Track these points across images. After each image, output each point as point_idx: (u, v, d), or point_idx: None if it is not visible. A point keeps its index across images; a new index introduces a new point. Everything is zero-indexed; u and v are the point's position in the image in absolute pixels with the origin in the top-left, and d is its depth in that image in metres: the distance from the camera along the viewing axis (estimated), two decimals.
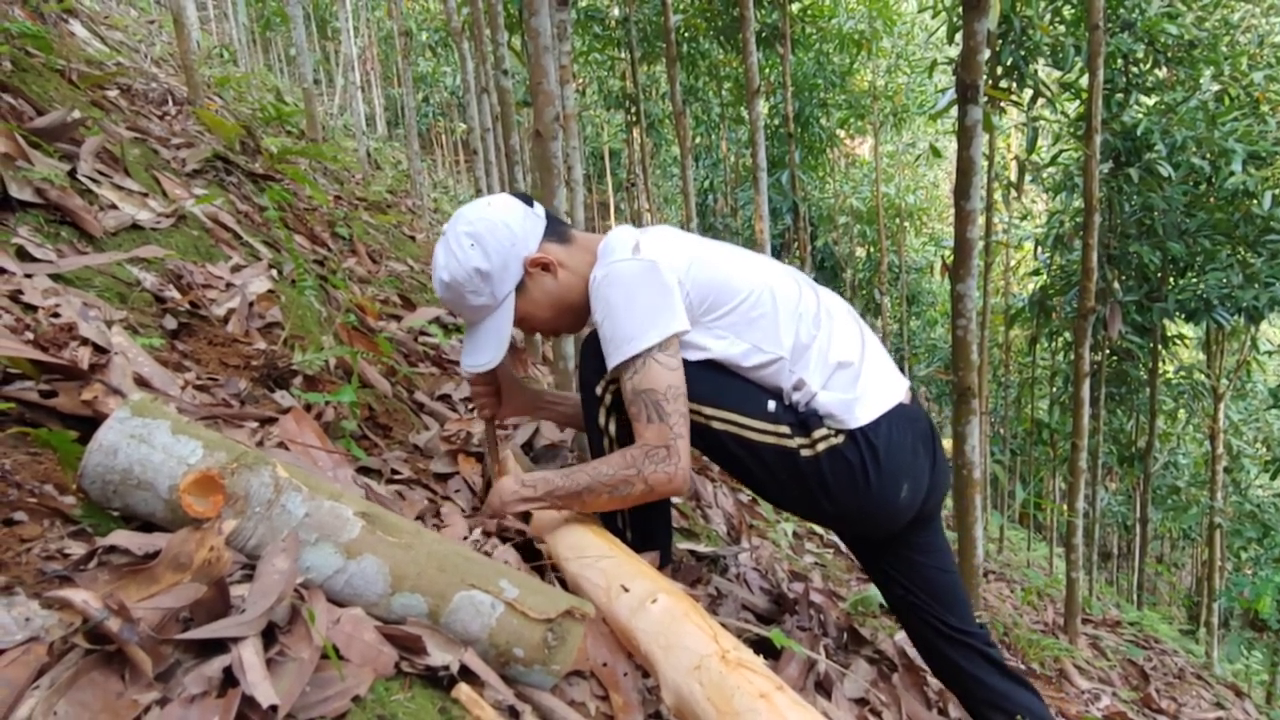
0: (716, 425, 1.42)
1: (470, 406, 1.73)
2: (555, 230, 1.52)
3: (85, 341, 1.16)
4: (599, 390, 1.50)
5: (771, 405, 1.43)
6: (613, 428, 1.50)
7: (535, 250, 1.48)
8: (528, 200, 1.53)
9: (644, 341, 1.34)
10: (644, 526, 1.58)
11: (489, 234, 1.44)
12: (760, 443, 1.41)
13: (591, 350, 1.49)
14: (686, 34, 8.40)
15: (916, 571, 1.60)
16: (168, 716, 0.62)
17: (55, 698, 0.61)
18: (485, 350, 1.50)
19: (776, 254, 11.58)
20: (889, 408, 1.45)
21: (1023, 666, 2.79)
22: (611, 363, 1.37)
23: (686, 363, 1.41)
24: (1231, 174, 5.60)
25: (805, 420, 1.42)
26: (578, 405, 1.69)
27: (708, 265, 1.43)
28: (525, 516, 1.53)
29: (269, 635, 0.76)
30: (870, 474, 1.41)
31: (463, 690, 0.91)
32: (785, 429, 1.41)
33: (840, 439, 1.41)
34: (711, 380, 1.42)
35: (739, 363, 1.44)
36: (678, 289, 1.39)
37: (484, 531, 1.43)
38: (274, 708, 0.65)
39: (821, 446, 1.41)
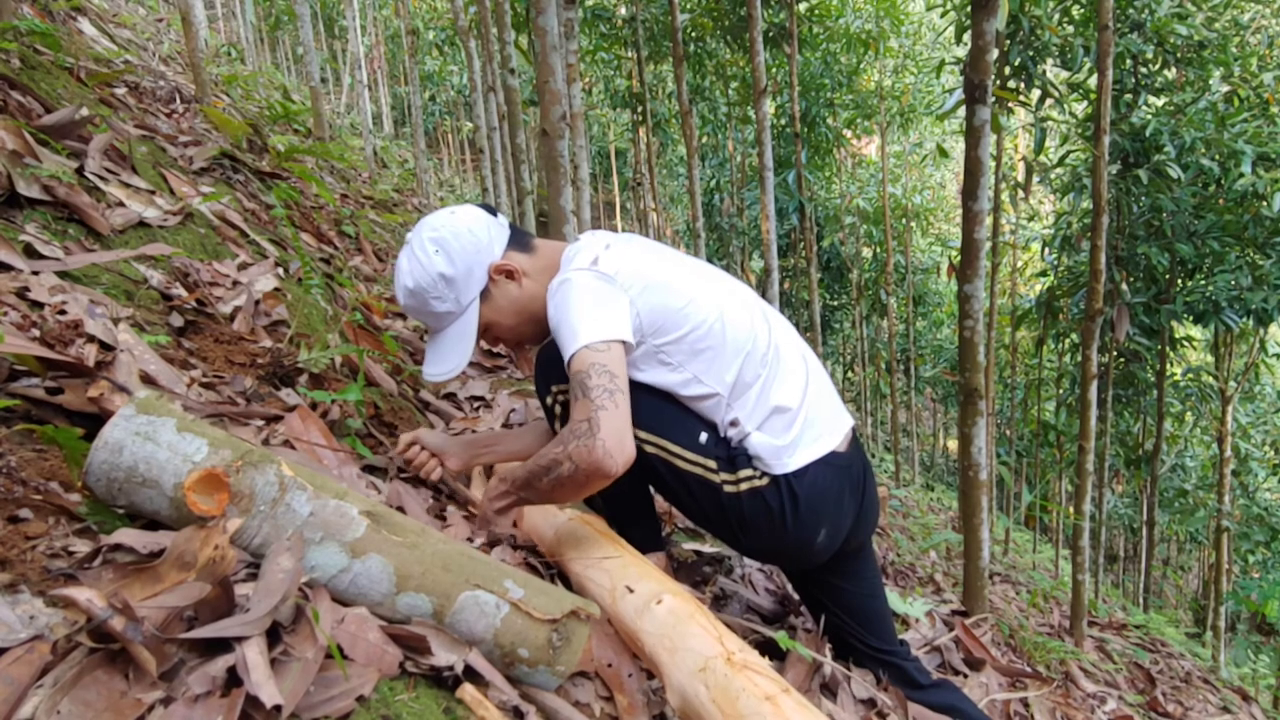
0: (648, 449, 1.44)
1: (415, 474, 1.70)
2: (519, 239, 1.54)
3: (91, 339, 1.16)
4: (549, 401, 1.53)
5: (703, 437, 1.45)
6: None
7: (500, 257, 1.50)
8: (491, 210, 1.55)
9: (589, 335, 1.34)
10: (615, 512, 1.59)
11: (454, 239, 1.46)
12: (686, 471, 1.44)
13: (541, 364, 1.52)
14: (693, 33, 8.39)
15: (842, 597, 1.66)
16: (171, 716, 0.62)
17: (59, 696, 0.60)
18: (449, 358, 1.51)
19: (782, 254, 11.56)
20: (819, 456, 1.46)
21: (1028, 669, 2.77)
22: (566, 354, 1.37)
23: (629, 382, 1.40)
24: (1241, 175, 5.56)
25: (734, 458, 1.44)
26: (519, 437, 1.72)
27: (664, 289, 1.43)
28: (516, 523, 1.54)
29: (273, 635, 0.76)
30: (788, 518, 1.43)
31: (467, 691, 0.91)
32: (712, 463, 1.43)
33: (764, 482, 1.43)
34: (649, 404, 1.44)
35: (677, 390, 1.45)
36: (628, 307, 1.40)
37: (486, 544, 1.43)
38: (278, 708, 0.65)
39: (744, 486, 1.43)
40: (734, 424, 1.45)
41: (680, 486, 1.46)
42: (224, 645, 0.70)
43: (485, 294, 1.51)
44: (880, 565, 3.48)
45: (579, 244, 1.51)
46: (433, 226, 1.48)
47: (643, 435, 1.44)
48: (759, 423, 1.44)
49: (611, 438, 1.28)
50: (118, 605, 0.64)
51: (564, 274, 1.42)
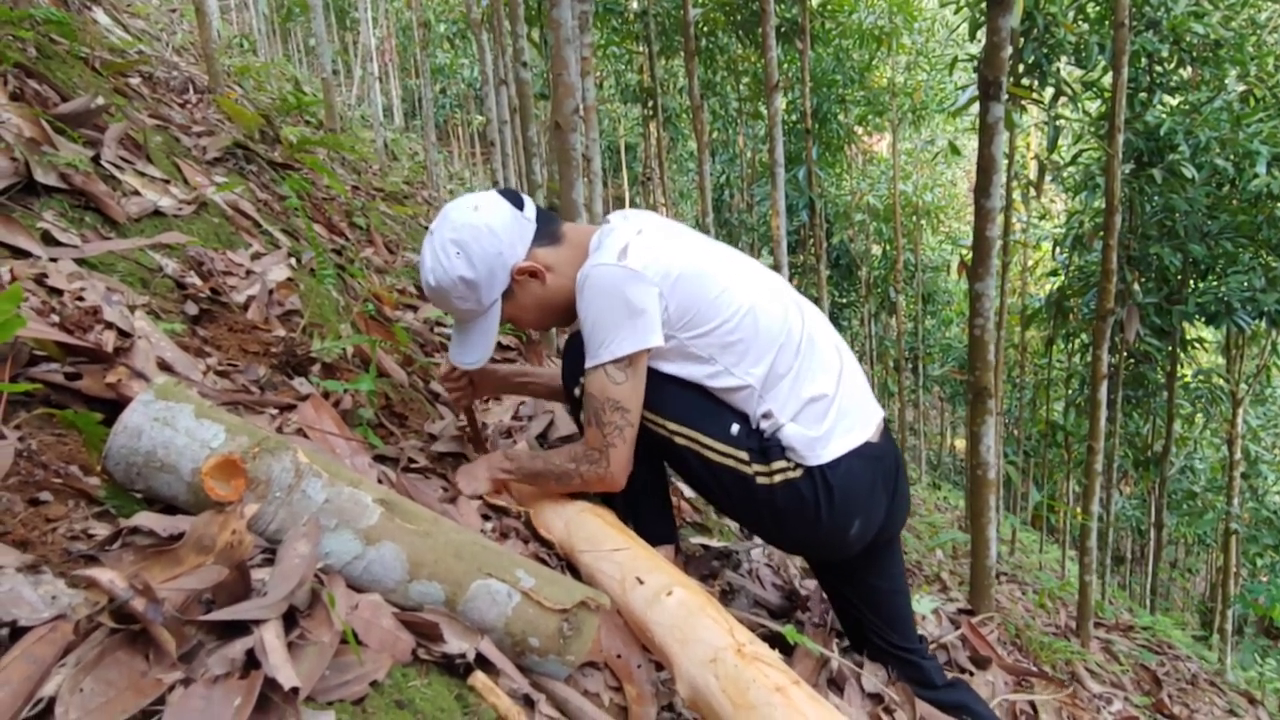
0: (679, 440, 1.44)
1: (444, 398, 1.78)
2: (546, 230, 1.50)
3: (110, 325, 1.17)
4: (576, 391, 1.54)
5: (735, 429, 1.44)
6: None
7: (524, 258, 1.47)
8: (517, 201, 1.50)
9: (610, 352, 1.36)
10: (631, 504, 1.60)
11: (474, 242, 1.43)
12: (719, 464, 1.43)
13: (569, 355, 1.53)
14: (705, 28, 8.36)
15: (868, 592, 1.65)
16: (191, 696, 0.63)
17: (81, 675, 0.61)
18: (474, 350, 1.53)
19: (792, 250, 11.51)
20: (854, 446, 1.44)
21: (1034, 668, 2.77)
22: (587, 364, 1.39)
23: (658, 374, 1.42)
24: (1256, 176, 5.52)
25: (767, 449, 1.43)
26: (552, 378, 1.77)
27: (696, 280, 1.41)
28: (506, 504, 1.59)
29: (290, 619, 0.77)
30: (822, 510, 1.42)
31: (479, 678, 0.92)
32: (745, 455, 1.42)
33: (798, 473, 1.42)
34: (679, 396, 1.43)
35: (707, 382, 1.44)
36: (657, 301, 1.37)
37: (499, 534, 1.45)
38: (295, 690, 0.66)
39: (778, 478, 1.42)
40: (767, 415, 1.43)
41: (712, 479, 1.45)
42: (242, 628, 0.71)
43: (509, 293, 1.49)
44: None
45: (609, 228, 1.47)
46: (454, 225, 1.44)
47: (674, 427, 1.44)
48: (793, 414, 1.42)
49: (619, 470, 1.41)
50: (139, 586, 0.65)
51: (589, 267, 1.39)
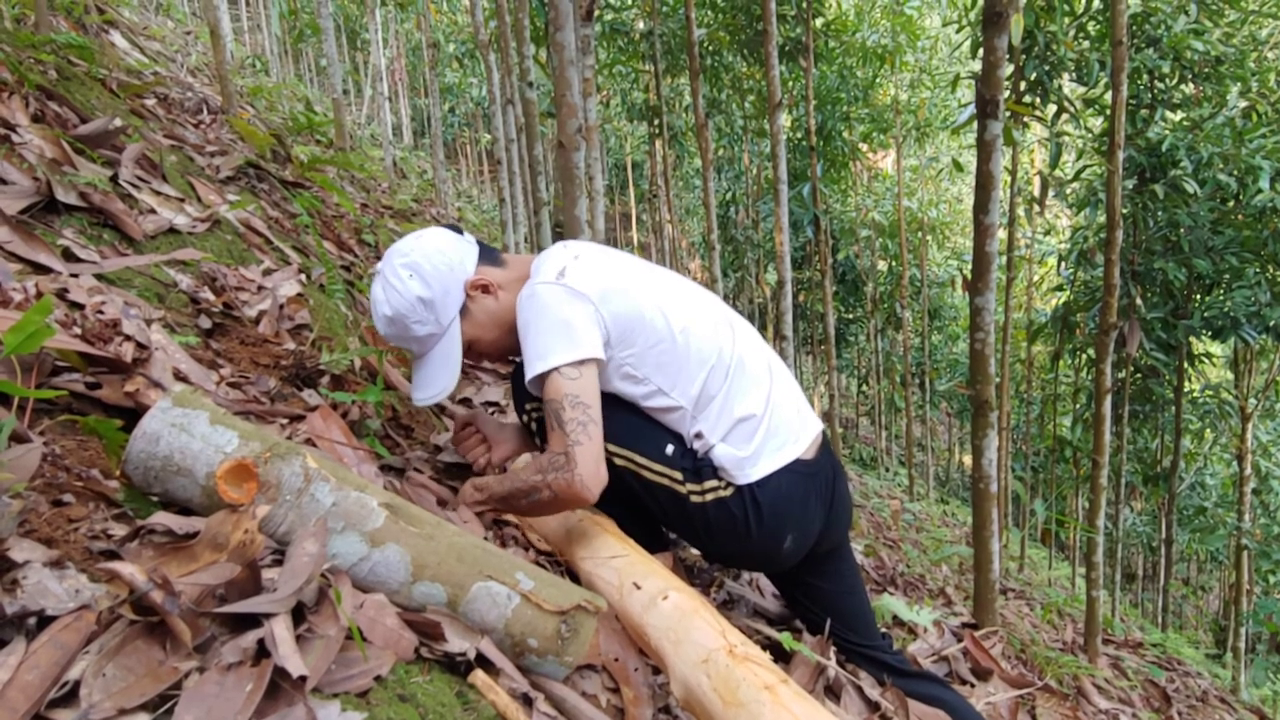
0: (617, 461, 1.47)
1: (465, 461, 1.77)
2: (488, 255, 1.57)
3: (128, 338, 1.22)
4: (524, 419, 1.58)
5: (670, 449, 1.48)
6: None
7: (473, 274, 1.52)
8: (457, 230, 1.58)
9: (552, 360, 1.37)
10: (623, 512, 1.62)
11: (426, 263, 1.48)
12: (654, 482, 1.47)
13: (517, 381, 1.55)
14: (710, 47, 8.47)
15: (820, 596, 1.70)
16: (205, 682, 0.66)
17: (103, 662, 0.65)
18: (437, 380, 1.53)
19: (798, 266, 11.58)
20: (784, 464, 1.48)
21: (1039, 682, 2.77)
22: (528, 378, 1.41)
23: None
24: (1259, 191, 5.55)
25: (700, 469, 1.47)
26: None
27: (631, 302, 1.45)
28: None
29: (298, 614, 0.80)
30: (752, 526, 1.46)
31: (479, 676, 0.95)
32: (678, 474, 1.47)
33: (729, 491, 1.46)
34: (616, 416, 1.46)
35: (642, 403, 1.48)
36: (594, 317, 1.41)
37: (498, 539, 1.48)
38: (303, 678, 0.69)
39: (710, 496, 1.46)
40: (699, 436, 1.48)
41: (649, 496, 1.49)
42: (253, 621, 0.75)
43: (464, 311, 1.52)
44: (890, 576, 3.49)
45: (548, 254, 1.52)
46: (402, 252, 1.49)
47: (612, 448, 1.46)
48: (723, 434, 1.47)
49: (588, 472, 1.35)
50: (158, 580, 0.69)
51: (530, 286, 1.44)
